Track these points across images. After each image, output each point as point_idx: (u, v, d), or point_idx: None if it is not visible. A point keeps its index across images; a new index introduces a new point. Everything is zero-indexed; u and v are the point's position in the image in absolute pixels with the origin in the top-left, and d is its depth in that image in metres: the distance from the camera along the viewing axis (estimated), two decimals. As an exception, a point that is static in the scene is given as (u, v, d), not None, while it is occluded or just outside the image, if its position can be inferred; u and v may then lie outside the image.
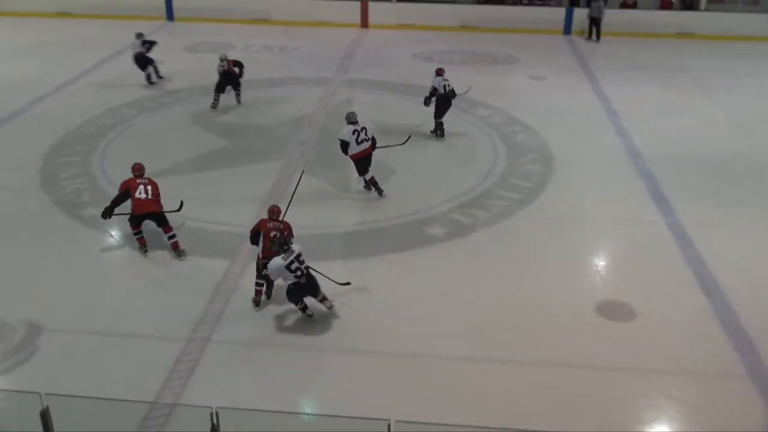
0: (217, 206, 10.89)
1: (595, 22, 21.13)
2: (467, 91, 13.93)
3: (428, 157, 12.81)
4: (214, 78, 14.87)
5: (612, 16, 21.35)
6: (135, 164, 9.80)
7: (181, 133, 13.80)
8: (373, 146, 11.17)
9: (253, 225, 8.64)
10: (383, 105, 15.47)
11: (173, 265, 9.40)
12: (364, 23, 22.48)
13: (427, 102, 13.31)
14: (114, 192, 9.99)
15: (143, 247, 9.65)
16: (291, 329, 8.18)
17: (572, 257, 9.69)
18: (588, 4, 21.55)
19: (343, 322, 8.28)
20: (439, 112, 13.38)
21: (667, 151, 13.07)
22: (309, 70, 17.84)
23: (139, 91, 15.89)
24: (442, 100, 13.23)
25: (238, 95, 15.09)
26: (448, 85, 13.20)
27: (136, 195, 9.41)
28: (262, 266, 8.34)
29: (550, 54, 19.73)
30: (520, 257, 9.70)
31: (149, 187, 9.48)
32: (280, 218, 8.57)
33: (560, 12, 22.20)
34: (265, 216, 8.58)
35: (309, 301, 8.28)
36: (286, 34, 21.49)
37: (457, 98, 13.39)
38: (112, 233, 10.16)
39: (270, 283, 8.54)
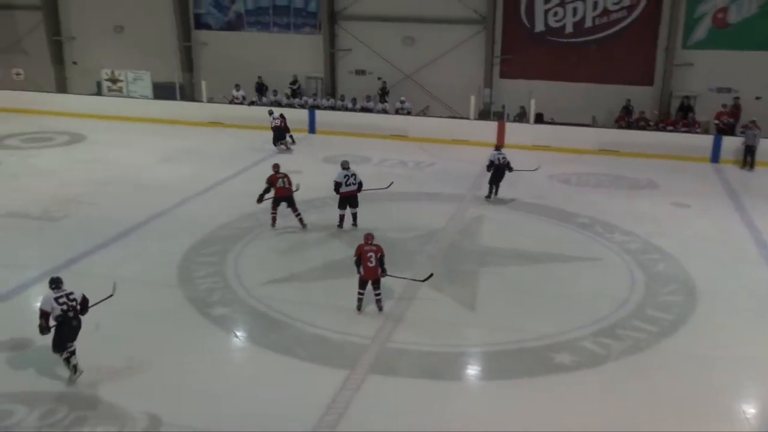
0: (340, 315, 10.97)
1: (749, 150, 20.43)
2: (535, 169, 17.65)
3: (559, 278, 12.49)
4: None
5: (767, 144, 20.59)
6: (274, 164, 14.69)
7: (314, 241, 14.17)
8: (359, 189, 14.49)
9: (355, 252, 10.97)
10: (514, 224, 15.35)
11: (293, 368, 9.44)
12: (500, 142, 22.71)
13: (488, 169, 16.91)
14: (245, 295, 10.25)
15: (274, 224, 14.50)
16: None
17: (716, 399, 8.96)
18: (743, 132, 20.93)
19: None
20: (493, 179, 16.93)
21: (826, 290, 12.12)
22: (443, 186, 18.11)
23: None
24: (496, 170, 16.83)
25: (291, 140, 21.58)
26: (503, 159, 16.80)
27: (278, 185, 14.28)
28: (360, 283, 11.00)
29: (696, 181, 19.13)
30: (657, 395, 9.07)
31: (285, 179, 14.38)
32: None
33: (707, 139, 21.63)
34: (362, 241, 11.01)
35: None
36: (422, 150, 22.05)
37: (588, 219, 13.15)
38: (238, 333, 10.40)
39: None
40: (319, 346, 10.00)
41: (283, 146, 21.71)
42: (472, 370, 9.69)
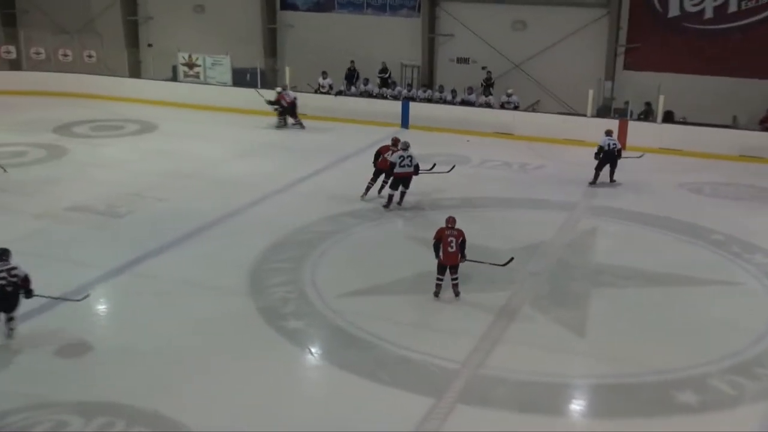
0: (428, 335, 10.93)
1: None
2: (639, 156, 18.87)
3: (686, 304, 12.14)
4: (442, 195, 15.73)
5: None
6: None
7: (402, 249, 14.19)
8: (415, 172, 16.08)
9: (434, 236, 11.93)
10: (635, 240, 14.97)
11: (373, 392, 9.45)
12: (622, 143, 22.21)
13: (596, 156, 18.12)
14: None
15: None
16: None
17: None
18: None
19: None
20: (600, 165, 18.12)
21: None
22: (552, 192, 17.85)
23: (362, 201, 16.70)
24: (605, 156, 18.08)
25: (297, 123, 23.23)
26: (614, 144, 18.14)
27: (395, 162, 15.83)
28: (438, 268, 12.00)
29: None
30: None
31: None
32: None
33: None
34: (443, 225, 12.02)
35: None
36: (530, 151, 21.80)
37: (723, 236, 13.08)
38: (313, 350, 10.50)
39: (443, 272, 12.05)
40: (402, 369, 9.99)
41: (290, 124, 23.56)
42: (578, 406, 9.50)
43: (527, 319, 11.17)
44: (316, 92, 26.19)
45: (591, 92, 23.00)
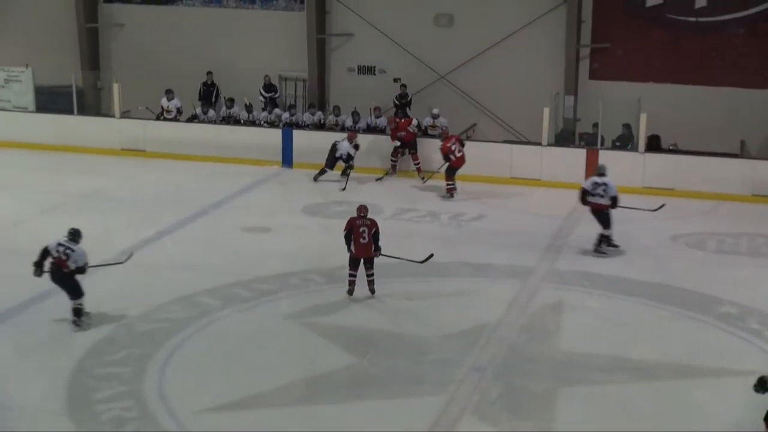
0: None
1: None
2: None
3: (693, 405, 12.29)
4: (342, 261, 15.64)
5: None
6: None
7: (288, 341, 14.07)
8: (613, 205, 17.56)
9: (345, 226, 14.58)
10: (615, 317, 15.17)
11: None
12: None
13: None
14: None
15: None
16: None
17: None
18: None
19: None
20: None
21: None
22: (497, 254, 17.99)
23: (229, 271, 16.60)
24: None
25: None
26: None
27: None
28: (351, 262, 15.09)
29: None
30: None
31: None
32: None
33: None
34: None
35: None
36: (464, 195, 22.03)
37: (735, 307, 14.31)
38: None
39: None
40: None
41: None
42: None
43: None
44: (158, 118, 26.02)
45: (546, 111, 23.39)
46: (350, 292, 15.23)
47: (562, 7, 25.61)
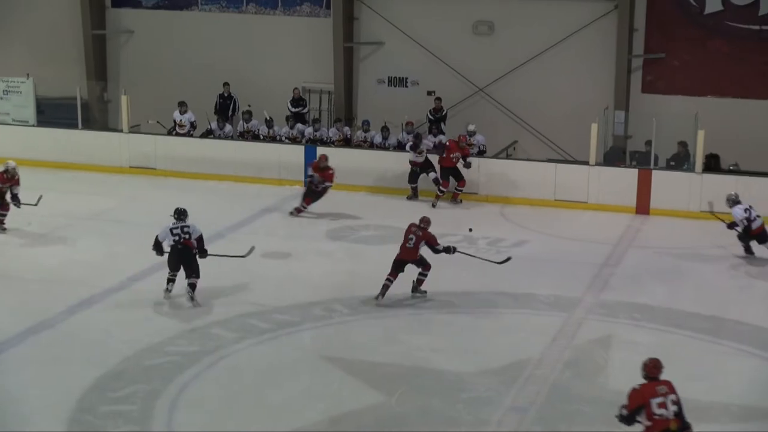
0: None
1: None
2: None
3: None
4: (372, 291, 15.73)
5: None
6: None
7: (309, 377, 14.04)
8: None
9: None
10: (673, 354, 15.07)
11: None
12: (643, 207, 22.66)
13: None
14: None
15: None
16: None
17: None
18: None
19: None
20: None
21: None
22: (539, 283, 17.96)
23: (246, 300, 16.64)
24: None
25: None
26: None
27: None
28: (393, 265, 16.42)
29: None
30: None
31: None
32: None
33: None
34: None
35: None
36: (503, 219, 22.04)
37: None
38: None
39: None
40: None
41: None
42: None
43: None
44: (170, 133, 26.14)
45: (594, 127, 23.35)
46: (379, 296, 16.31)
47: (612, 14, 25.59)
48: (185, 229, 16.09)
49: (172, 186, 23.98)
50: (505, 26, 26.63)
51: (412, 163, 23.38)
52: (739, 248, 19.86)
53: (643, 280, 18.24)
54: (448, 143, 23.42)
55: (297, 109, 26.93)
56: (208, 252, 16.49)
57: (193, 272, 16.19)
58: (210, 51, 28.31)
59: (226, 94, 27.13)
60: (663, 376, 11.24)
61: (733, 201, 19.25)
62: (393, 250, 16.97)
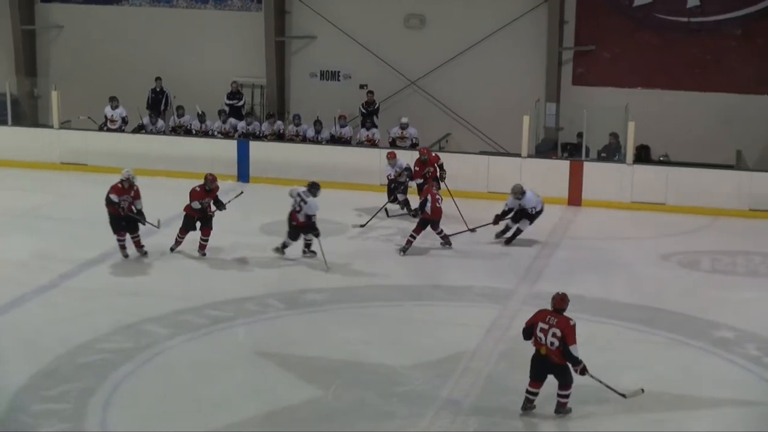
0: None
1: None
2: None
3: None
4: (306, 285, 15.77)
5: None
6: None
7: (244, 372, 14.00)
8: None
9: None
10: (602, 343, 15.16)
11: None
12: (575, 199, 22.77)
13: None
14: None
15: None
16: None
17: None
18: None
19: None
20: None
21: None
22: (472, 275, 18.06)
23: (179, 296, 16.55)
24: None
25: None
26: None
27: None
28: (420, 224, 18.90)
29: None
30: None
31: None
32: None
33: None
34: None
35: None
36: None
37: (732, 332, 13.75)
38: None
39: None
40: None
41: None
42: None
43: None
44: (101, 129, 25.95)
45: (526, 120, 23.42)
46: (403, 250, 18.79)
47: (542, 7, 25.74)
48: (301, 203, 17.77)
49: (104, 182, 23.66)
50: (437, 19, 26.72)
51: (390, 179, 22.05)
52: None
53: (577, 272, 18.33)
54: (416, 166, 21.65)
55: (232, 102, 26.89)
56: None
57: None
58: (141, 46, 28.15)
59: (158, 89, 27.01)
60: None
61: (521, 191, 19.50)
62: (326, 243, 16.97)
